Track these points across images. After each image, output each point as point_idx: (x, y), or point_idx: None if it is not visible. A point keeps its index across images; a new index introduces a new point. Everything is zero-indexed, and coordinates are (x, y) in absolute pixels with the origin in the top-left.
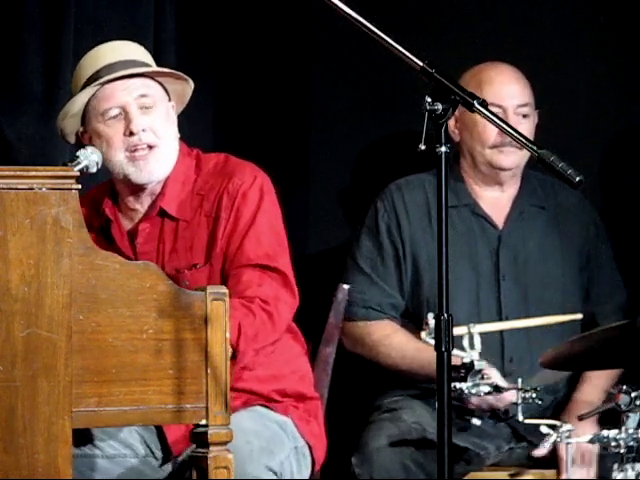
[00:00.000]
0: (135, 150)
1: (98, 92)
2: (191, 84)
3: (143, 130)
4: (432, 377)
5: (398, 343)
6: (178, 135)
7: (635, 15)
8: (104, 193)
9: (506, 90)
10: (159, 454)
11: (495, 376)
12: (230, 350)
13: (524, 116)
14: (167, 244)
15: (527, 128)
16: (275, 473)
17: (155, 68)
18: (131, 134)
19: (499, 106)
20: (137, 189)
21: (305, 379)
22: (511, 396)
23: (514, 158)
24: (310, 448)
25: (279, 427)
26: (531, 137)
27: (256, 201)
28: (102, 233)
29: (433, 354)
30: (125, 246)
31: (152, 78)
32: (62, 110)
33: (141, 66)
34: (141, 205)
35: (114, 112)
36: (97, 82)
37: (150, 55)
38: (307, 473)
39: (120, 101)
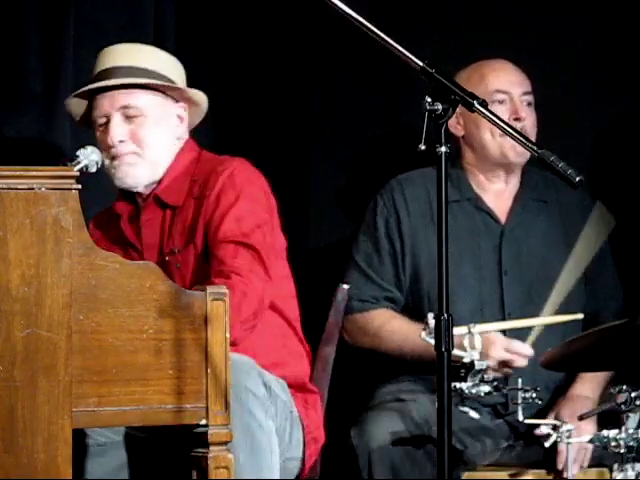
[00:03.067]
0: (114, 159)
1: (94, 99)
2: (201, 96)
3: (120, 141)
4: (433, 361)
5: (399, 327)
6: (177, 137)
7: (631, 14)
8: (117, 198)
9: (511, 77)
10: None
11: (500, 343)
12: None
13: (528, 104)
14: (165, 231)
15: (533, 118)
16: (268, 388)
17: (138, 80)
18: (112, 144)
19: (505, 92)
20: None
21: (306, 374)
22: (520, 361)
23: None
24: (303, 427)
25: (275, 380)
26: (535, 128)
27: (242, 185)
28: (118, 231)
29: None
30: (132, 237)
31: (142, 88)
32: (69, 99)
33: (138, 73)
34: (142, 199)
35: (101, 121)
36: (76, 92)
37: (162, 57)
38: (300, 447)
39: (105, 111)
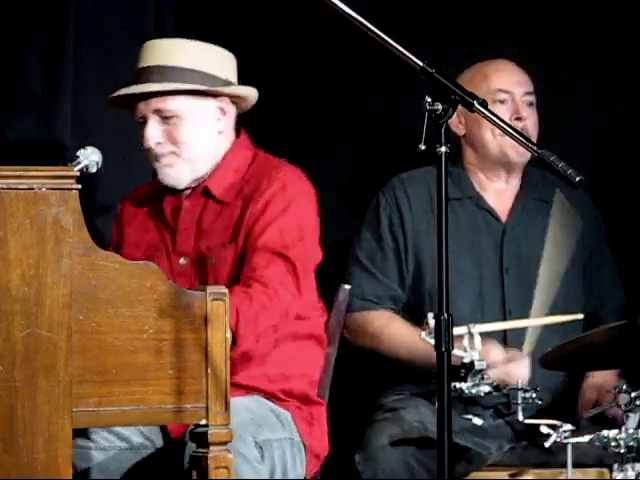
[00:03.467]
0: (156, 159)
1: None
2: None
3: (157, 143)
4: (432, 366)
5: (398, 330)
6: (219, 131)
7: (631, 14)
8: None
9: (514, 77)
10: (159, 441)
11: (496, 353)
12: (230, 336)
13: (530, 105)
14: (205, 222)
15: (535, 118)
16: (261, 449)
17: (168, 86)
18: (148, 147)
19: (507, 92)
20: None
21: (314, 385)
22: (521, 371)
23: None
24: (305, 448)
25: (274, 414)
26: (537, 128)
27: (294, 196)
28: (158, 209)
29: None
30: (170, 220)
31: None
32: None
33: (172, 74)
34: (187, 189)
35: (140, 121)
36: (113, 94)
37: (205, 52)
38: (302, 469)
39: (141, 112)
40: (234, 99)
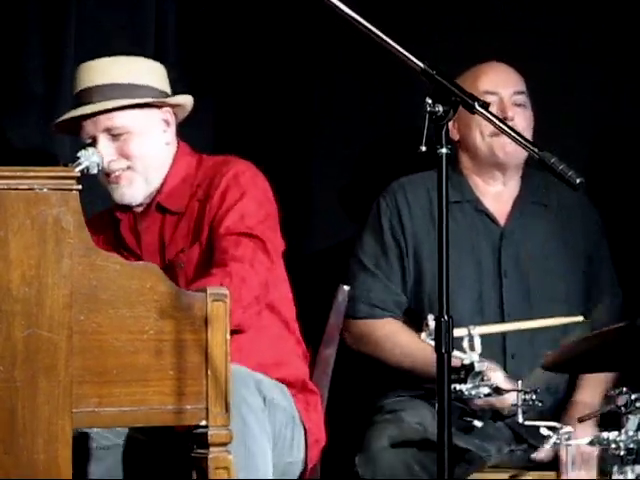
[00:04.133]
0: (109, 175)
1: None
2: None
3: (111, 160)
4: (434, 376)
5: (402, 341)
6: (167, 142)
7: (631, 15)
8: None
9: (501, 78)
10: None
11: (499, 377)
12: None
13: (519, 104)
14: (167, 236)
15: (524, 118)
16: (264, 400)
17: (118, 102)
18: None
19: (495, 93)
20: None
21: (307, 373)
22: (512, 398)
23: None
24: (305, 430)
25: (275, 385)
26: (529, 127)
27: (247, 184)
28: (116, 237)
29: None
30: (133, 244)
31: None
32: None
33: (116, 91)
34: (141, 205)
35: (88, 141)
36: (59, 119)
37: (139, 66)
38: (301, 453)
39: (89, 133)
40: (174, 109)
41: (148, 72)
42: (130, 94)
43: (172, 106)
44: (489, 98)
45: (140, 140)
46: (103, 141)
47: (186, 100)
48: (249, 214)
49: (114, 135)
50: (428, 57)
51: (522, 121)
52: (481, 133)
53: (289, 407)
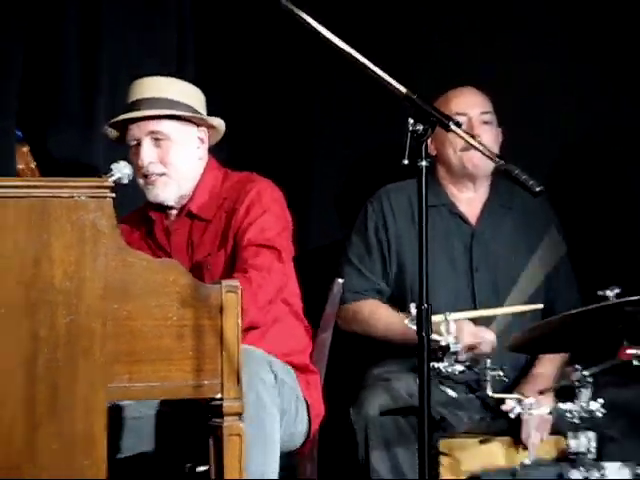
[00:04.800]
0: (146, 177)
1: (127, 127)
2: (217, 123)
3: (150, 162)
4: (411, 342)
5: (384, 316)
6: (199, 157)
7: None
8: (147, 203)
9: (469, 100)
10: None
11: (470, 326)
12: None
13: (486, 122)
14: (195, 239)
15: (490, 134)
16: (275, 378)
17: (161, 111)
18: (142, 165)
19: (464, 114)
20: None
21: (309, 357)
22: (486, 348)
23: (480, 156)
24: (308, 406)
25: (284, 365)
26: (496, 142)
27: (268, 202)
28: (149, 233)
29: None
30: (164, 242)
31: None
32: (107, 125)
33: (163, 103)
34: (174, 210)
35: (132, 143)
36: (111, 122)
37: (184, 88)
38: (304, 427)
39: (135, 136)
40: (209, 130)
41: (190, 94)
42: (174, 108)
43: (208, 127)
44: (460, 118)
45: (177, 149)
46: (147, 144)
47: (220, 123)
48: (269, 228)
49: (156, 139)
50: (409, 84)
51: (489, 137)
52: (453, 149)
53: (294, 386)
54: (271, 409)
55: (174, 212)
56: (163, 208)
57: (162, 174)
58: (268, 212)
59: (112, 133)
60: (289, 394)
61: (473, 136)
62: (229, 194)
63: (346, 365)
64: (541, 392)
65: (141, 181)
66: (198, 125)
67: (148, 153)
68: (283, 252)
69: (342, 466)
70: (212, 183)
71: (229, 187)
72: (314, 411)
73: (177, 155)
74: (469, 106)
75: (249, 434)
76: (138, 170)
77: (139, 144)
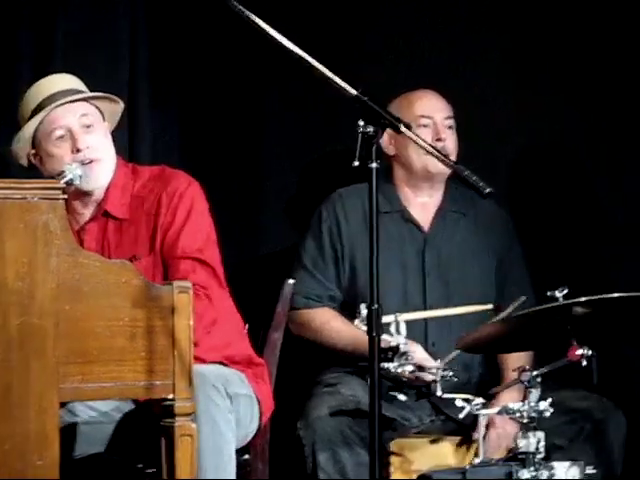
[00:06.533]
0: (83, 164)
1: (45, 118)
2: (121, 104)
3: (87, 147)
4: (365, 356)
5: (336, 328)
6: (114, 149)
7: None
8: None
9: (434, 104)
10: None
11: (420, 351)
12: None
13: (449, 127)
14: (111, 240)
15: (453, 140)
16: (230, 399)
17: (90, 93)
18: (78, 151)
19: (429, 117)
20: (83, 196)
21: (249, 346)
22: (430, 376)
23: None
24: (259, 403)
25: (235, 374)
26: (456, 147)
27: (190, 202)
28: None
29: (365, 338)
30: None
31: (88, 102)
32: (15, 136)
33: (77, 93)
34: (87, 210)
35: (60, 132)
36: (46, 109)
37: (82, 83)
38: (256, 423)
39: (65, 123)
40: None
41: (81, 84)
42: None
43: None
44: (424, 121)
45: (104, 139)
46: (78, 131)
47: (117, 110)
48: (197, 233)
49: (86, 127)
50: (361, 85)
51: (451, 142)
52: (417, 153)
53: (248, 392)
54: (227, 434)
55: (87, 212)
56: (72, 205)
57: (96, 160)
58: (193, 214)
59: (22, 151)
60: (244, 403)
61: (437, 140)
62: (146, 194)
63: (297, 364)
64: (494, 392)
65: (79, 172)
66: (103, 119)
67: (83, 137)
68: (216, 266)
69: (292, 464)
70: (123, 181)
71: (144, 185)
72: (265, 405)
73: (104, 143)
74: (434, 110)
75: (207, 463)
76: (69, 160)
77: (67, 133)
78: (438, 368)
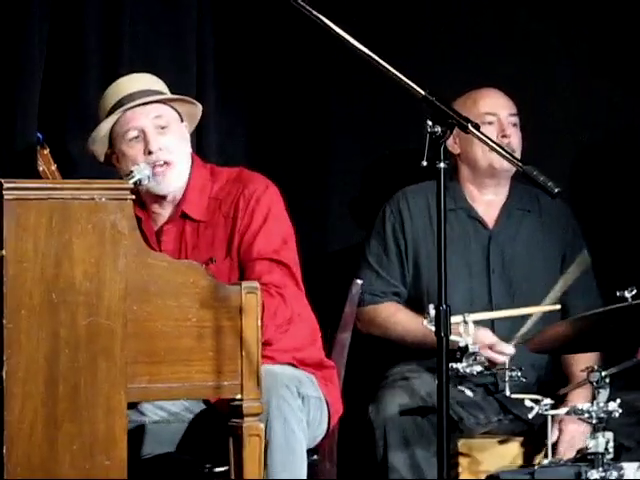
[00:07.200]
0: (154, 166)
1: (120, 118)
2: (199, 106)
3: (159, 149)
4: (432, 347)
5: (402, 320)
6: (190, 150)
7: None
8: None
9: (499, 101)
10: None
11: (489, 337)
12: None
13: (514, 125)
14: (189, 242)
15: (518, 137)
16: (302, 400)
17: (167, 95)
18: (150, 153)
19: (494, 114)
20: (159, 198)
21: (322, 351)
22: (502, 358)
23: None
24: (328, 405)
25: (307, 376)
26: (520, 144)
27: (268, 206)
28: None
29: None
30: (153, 242)
31: (165, 103)
32: (91, 135)
33: (155, 94)
34: (164, 210)
35: (134, 134)
36: (120, 109)
37: (162, 83)
38: (326, 424)
39: (139, 124)
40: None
41: (163, 85)
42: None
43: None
44: (489, 119)
45: (179, 140)
46: (151, 132)
47: (196, 112)
48: (274, 235)
49: (160, 128)
50: (428, 85)
51: (516, 139)
52: (482, 149)
53: (318, 394)
54: (298, 433)
55: (164, 212)
56: (141, 204)
57: (169, 162)
58: (270, 218)
59: (100, 150)
60: (315, 406)
61: (503, 137)
62: (224, 196)
63: (365, 365)
64: (559, 393)
65: (145, 175)
66: (182, 120)
67: (156, 138)
68: (292, 266)
69: (361, 465)
70: (202, 182)
71: (222, 188)
72: (333, 408)
73: (179, 144)
74: (499, 107)
75: (278, 460)
76: (141, 161)
77: (140, 134)
78: (507, 369)
